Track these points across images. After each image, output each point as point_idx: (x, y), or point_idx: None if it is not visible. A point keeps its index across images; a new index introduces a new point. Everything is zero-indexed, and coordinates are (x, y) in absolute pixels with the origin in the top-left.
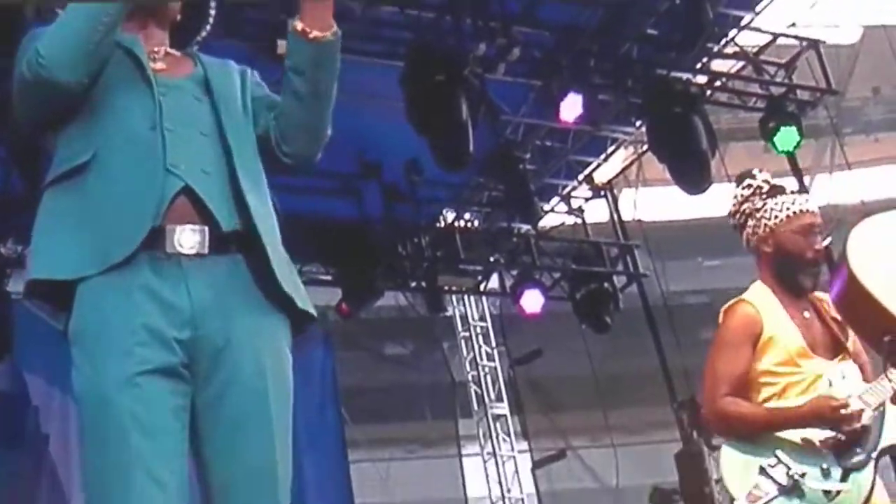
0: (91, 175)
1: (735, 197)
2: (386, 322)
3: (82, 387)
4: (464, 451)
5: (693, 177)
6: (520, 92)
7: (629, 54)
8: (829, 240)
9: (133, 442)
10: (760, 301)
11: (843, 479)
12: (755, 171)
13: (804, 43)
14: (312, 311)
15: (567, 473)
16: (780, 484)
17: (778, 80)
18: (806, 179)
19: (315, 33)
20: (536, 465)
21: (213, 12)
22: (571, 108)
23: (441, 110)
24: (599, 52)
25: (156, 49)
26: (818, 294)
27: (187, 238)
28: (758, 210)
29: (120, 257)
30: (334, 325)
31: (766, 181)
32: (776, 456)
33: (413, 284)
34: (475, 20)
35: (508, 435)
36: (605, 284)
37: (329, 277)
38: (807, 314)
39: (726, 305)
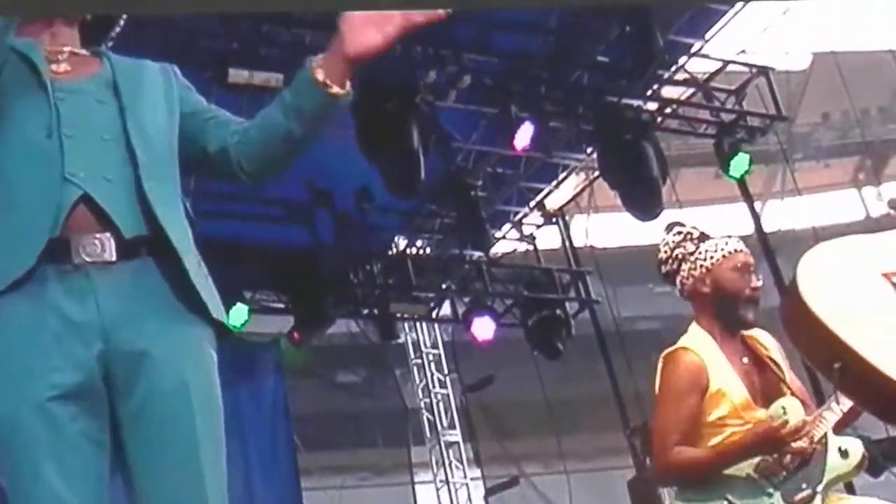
0: None
1: (666, 244)
2: (338, 349)
3: None
4: (416, 479)
5: (644, 203)
6: (471, 119)
7: (580, 81)
8: (761, 281)
9: (43, 471)
10: (702, 348)
11: None
12: (680, 221)
13: (754, 70)
14: (225, 319)
15: (520, 500)
16: None
17: (728, 106)
18: (757, 205)
19: (336, 89)
20: (489, 493)
21: None
22: (524, 135)
23: (392, 138)
24: (550, 79)
25: (60, 49)
26: (751, 333)
27: (92, 247)
28: (691, 253)
29: (19, 272)
30: (286, 352)
31: (694, 227)
32: (726, 499)
33: (365, 312)
34: (426, 48)
35: (461, 462)
36: (558, 311)
37: (281, 305)
38: (745, 360)
39: (667, 352)
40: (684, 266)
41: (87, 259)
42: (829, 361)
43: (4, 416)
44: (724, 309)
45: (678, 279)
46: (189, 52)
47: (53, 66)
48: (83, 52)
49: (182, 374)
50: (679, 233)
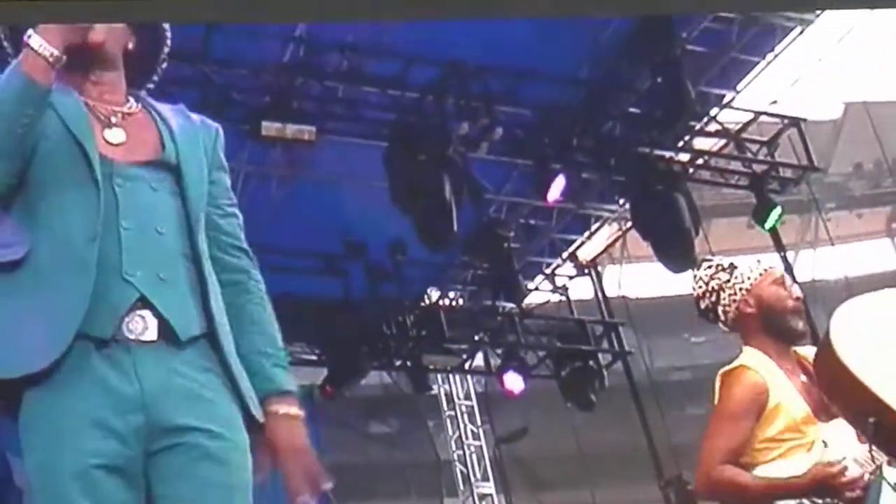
0: (24, 274)
1: (699, 280)
2: (371, 400)
3: (33, 477)
4: None
5: (677, 254)
6: (503, 171)
7: (611, 133)
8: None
9: None
10: (761, 366)
11: None
12: (707, 257)
13: (785, 121)
14: (259, 416)
15: None
16: None
17: (760, 157)
18: (789, 255)
19: None
20: None
21: (168, 35)
22: (557, 188)
23: (424, 190)
24: (582, 130)
25: (111, 110)
26: (804, 352)
27: (134, 324)
28: (727, 281)
29: (46, 363)
30: (319, 403)
31: (721, 259)
32: None
33: (398, 363)
34: (457, 100)
35: None
36: (591, 362)
37: (314, 357)
38: (803, 378)
39: (725, 370)
40: (723, 294)
41: (129, 336)
42: (864, 415)
43: (44, 481)
44: (774, 324)
45: (719, 310)
46: (223, 106)
47: (107, 133)
48: (134, 108)
49: (219, 455)
50: (709, 266)
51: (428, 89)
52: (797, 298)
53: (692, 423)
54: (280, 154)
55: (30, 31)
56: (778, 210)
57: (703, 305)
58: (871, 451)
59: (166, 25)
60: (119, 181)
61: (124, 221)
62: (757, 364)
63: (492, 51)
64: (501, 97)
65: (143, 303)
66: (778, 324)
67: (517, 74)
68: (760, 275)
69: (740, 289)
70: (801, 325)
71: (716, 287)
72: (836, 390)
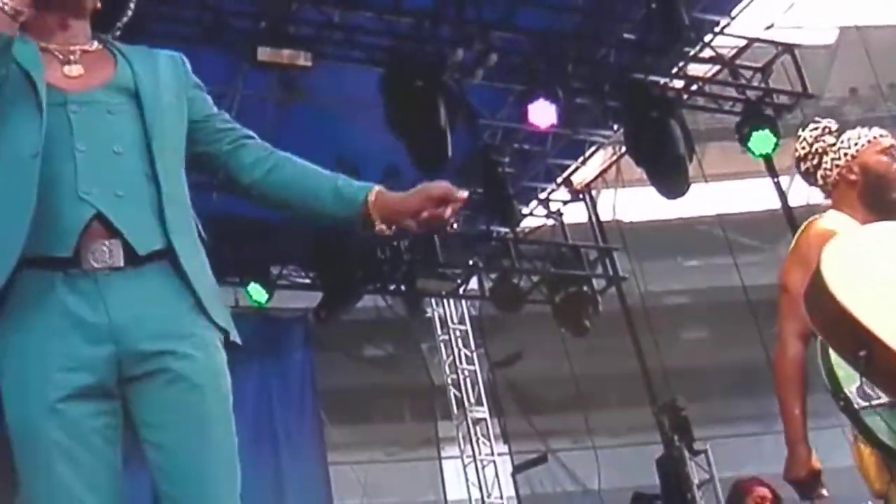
0: None
1: (803, 140)
2: (365, 324)
3: (9, 416)
4: (443, 454)
5: (671, 181)
6: (498, 96)
7: (606, 59)
8: None
9: (58, 470)
10: (839, 226)
11: None
12: (817, 118)
13: (780, 47)
14: (231, 329)
15: (547, 476)
16: None
17: (754, 83)
18: (785, 180)
19: (381, 228)
20: (517, 470)
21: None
22: (541, 113)
23: (420, 115)
24: (577, 56)
25: (71, 49)
26: None
27: (100, 253)
28: (832, 145)
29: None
30: (313, 327)
31: (830, 122)
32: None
33: (392, 287)
34: (453, 26)
35: (488, 438)
36: (585, 287)
37: (309, 281)
38: None
39: (804, 225)
40: (826, 158)
41: (95, 265)
42: (855, 349)
43: (18, 420)
44: (876, 194)
45: (819, 174)
46: (220, 32)
47: (66, 69)
48: (95, 47)
49: (192, 378)
50: (815, 128)
51: (424, 14)
52: None
53: (686, 347)
54: (276, 79)
55: None
56: (764, 135)
57: (803, 167)
58: (862, 385)
59: None
60: (74, 108)
61: (79, 144)
62: (836, 226)
63: None
64: (497, 23)
65: (101, 220)
66: (880, 194)
67: (513, 1)
68: (869, 142)
69: (845, 154)
70: None
71: (819, 150)
72: (827, 322)
